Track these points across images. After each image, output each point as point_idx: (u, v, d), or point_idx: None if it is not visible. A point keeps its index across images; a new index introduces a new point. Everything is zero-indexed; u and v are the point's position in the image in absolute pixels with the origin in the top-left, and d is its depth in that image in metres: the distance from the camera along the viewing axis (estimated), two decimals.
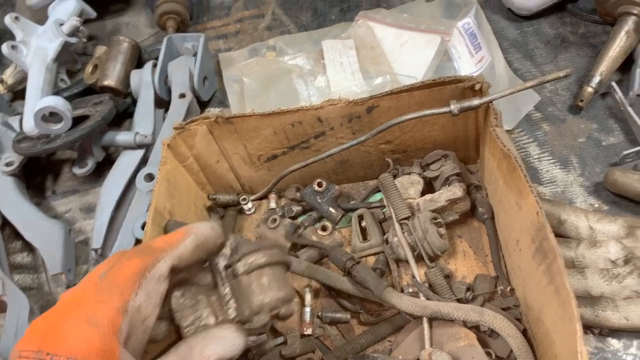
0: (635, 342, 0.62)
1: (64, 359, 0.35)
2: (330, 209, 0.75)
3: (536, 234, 0.54)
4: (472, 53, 0.85)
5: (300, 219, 0.77)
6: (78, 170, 0.88)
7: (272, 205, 0.80)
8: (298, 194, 0.78)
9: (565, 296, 0.48)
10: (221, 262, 0.48)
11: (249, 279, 0.46)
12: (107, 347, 0.37)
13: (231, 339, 0.44)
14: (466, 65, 0.85)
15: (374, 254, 0.72)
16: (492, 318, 0.56)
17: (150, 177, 0.82)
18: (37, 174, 0.96)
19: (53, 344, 0.36)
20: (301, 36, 1.01)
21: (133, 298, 0.39)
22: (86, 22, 1.08)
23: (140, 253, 0.42)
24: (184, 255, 0.44)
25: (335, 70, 0.91)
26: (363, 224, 0.74)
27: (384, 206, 0.72)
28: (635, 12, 0.79)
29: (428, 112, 0.63)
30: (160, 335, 0.46)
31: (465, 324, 0.60)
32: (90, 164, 0.88)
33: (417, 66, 0.88)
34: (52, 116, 0.81)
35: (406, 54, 0.90)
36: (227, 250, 0.48)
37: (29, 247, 0.87)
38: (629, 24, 0.79)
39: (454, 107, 0.61)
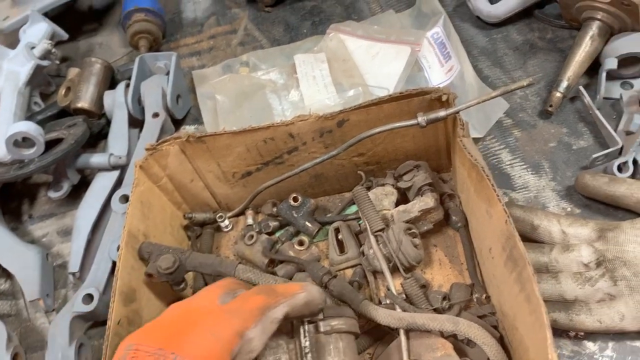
0: (610, 344, 0.62)
1: (183, 358, 0.41)
2: (307, 223, 0.75)
3: (506, 242, 0.54)
4: (442, 62, 0.86)
5: (277, 234, 0.78)
6: (53, 194, 0.88)
7: (249, 221, 0.80)
8: (275, 209, 0.78)
9: (535, 304, 0.48)
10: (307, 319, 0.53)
11: (327, 339, 0.52)
12: (221, 358, 0.42)
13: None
14: (436, 74, 0.86)
15: (352, 267, 0.73)
16: (467, 327, 0.57)
17: (125, 199, 0.81)
18: (13, 199, 0.95)
19: (176, 344, 0.42)
20: (274, 51, 1.01)
21: (251, 328, 0.45)
22: (59, 43, 1.08)
23: (265, 292, 0.49)
24: (296, 307, 0.49)
25: (308, 84, 0.91)
26: (340, 236, 0.74)
27: (359, 218, 0.73)
28: (598, 16, 0.80)
29: (396, 124, 0.63)
30: None
31: (442, 334, 0.60)
32: (65, 187, 0.88)
33: (388, 77, 0.89)
34: (24, 141, 0.81)
35: (377, 65, 0.91)
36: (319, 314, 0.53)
37: (6, 274, 0.86)
38: (593, 28, 0.81)
39: (421, 119, 0.62)
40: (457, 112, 0.61)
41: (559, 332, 0.63)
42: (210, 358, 0.41)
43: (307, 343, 0.51)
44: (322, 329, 0.52)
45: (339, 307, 0.58)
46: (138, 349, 0.42)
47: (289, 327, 0.52)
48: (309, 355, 0.50)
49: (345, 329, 0.53)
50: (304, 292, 0.50)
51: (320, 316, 0.53)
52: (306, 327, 0.52)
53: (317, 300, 0.52)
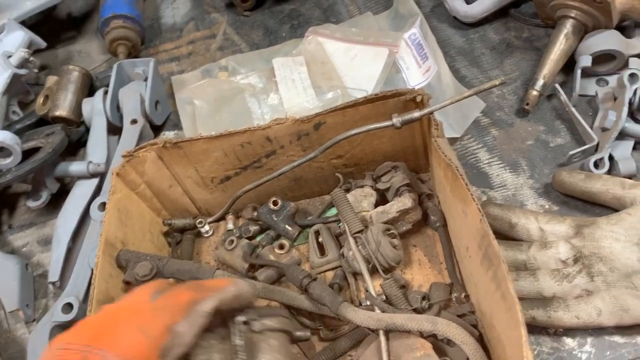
0: (589, 340, 0.63)
1: (113, 356, 0.41)
2: (287, 226, 0.75)
3: (481, 241, 0.55)
4: (419, 63, 0.87)
5: (258, 239, 0.77)
6: (32, 203, 0.87)
7: (230, 226, 0.80)
8: (255, 214, 0.78)
9: (510, 302, 0.48)
10: (240, 317, 0.52)
11: (260, 338, 0.52)
12: (149, 355, 0.42)
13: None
14: (414, 75, 0.86)
15: (332, 269, 0.73)
16: (445, 326, 0.57)
17: (104, 206, 0.80)
18: None
19: (104, 341, 0.42)
20: (253, 55, 1.01)
21: (180, 322, 0.45)
22: (37, 52, 1.07)
23: (193, 288, 0.49)
24: (225, 300, 0.50)
25: (287, 88, 0.91)
26: (320, 239, 0.74)
27: (339, 220, 0.73)
28: (572, 15, 0.81)
29: (372, 126, 0.63)
30: None
31: (422, 334, 0.60)
32: (44, 196, 0.87)
33: (367, 79, 0.89)
34: (1, 151, 0.80)
35: (356, 67, 0.91)
36: (252, 312, 0.54)
37: None
38: (567, 26, 0.81)
39: (396, 120, 0.62)
40: (432, 113, 0.61)
41: (538, 329, 0.63)
42: (139, 353, 0.42)
43: (240, 342, 0.51)
44: (255, 328, 0.53)
45: (273, 308, 0.59)
46: (66, 348, 0.42)
47: (224, 329, 0.52)
48: (241, 353, 0.50)
49: (278, 328, 0.54)
50: (232, 286, 0.52)
51: (255, 315, 0.53)
52: (240, 327, 0.52)
53: (248, 294, 0.53)
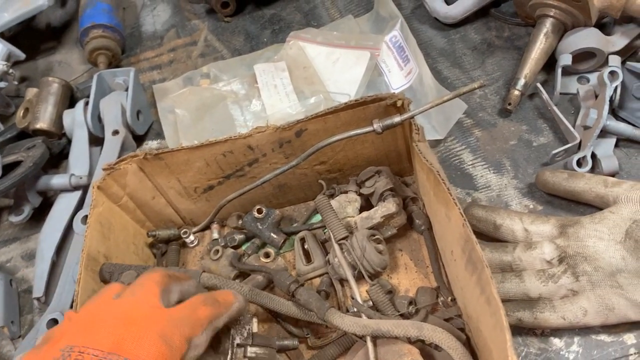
0: (576, 339, 0.63)
1: None
2: (272, 234, 0.75)
3: (465, 245, 0.54)
4: (401, 66, 0.87)
5: (243, 247, 0.77)
6: (14, 218, 0.86)
7: (215, 235, 0.79)
8: (240, 222, 0.78)
9: (495, 306, 0.48)
10: (237, 339, 0.57)
11: None
12: None
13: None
14: (396, 78, 0.86)
15: (319, 276, 0.72)
16: (431, 332, 0.56)
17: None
18: None
19: (127, 350, 0.42)
20: (234, 61, 1.00)
21: (198, 336, 0.47)
22: (17, 63, 1.06)
23: (211, 304, 0.51)
24: (232, 317, 0.54)
25: (270, 94, 0.91)
26: (306, 246, 0.73)
27: (325, 227, 0.72)
28: (551, 14, 0.81)
29: (353, 132, 0.63)
30: None
31: (409, 339, 0.60)
32: (26, 211, 0.86)
33: (349, 83, 0.89)
34: None
35: (338, 71, 0.91)
36: (245, 332, 0.58)
37: None
38: (547, 25, 0.82)
39: (377, 125, 0.61)
40: (412, 117, 0.61)
41: (526, 330, 0.64)
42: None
43: None
44: (248, 354, 0.58)
45: (267, 337, 0.62)
46: (84, 352, 0.41)
47: (214, 340, 0.54)
48: None
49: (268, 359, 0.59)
50: (237, 303, 0.55)
51: (249, 341, 0.58)
52: (235, 349, 0.56)
53: (243, 308, 0.56)
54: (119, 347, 0.42)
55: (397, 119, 0.61)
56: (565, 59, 0.79)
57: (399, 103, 0.63)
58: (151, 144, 0.95)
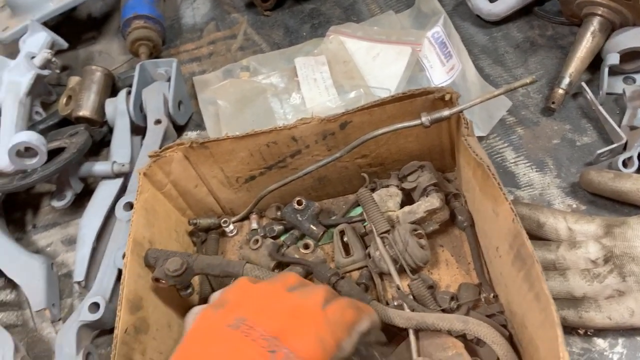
0: (620, 340, 0.62)
1: (295, 357, 0.43)
2: (311, 226, 0.75)
3: (513, 241, 0.54)
4: (443, 62, 0.86)
5: (282, 238, 0.77)
6: (56, 203, 0.87)
7: (254, 225, 0.80)
8: (279, 213, 0.78)
9: (545, 302, 0.48)
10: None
11: None
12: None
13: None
14: (438, 74, 0.86)
15: (358, 269, 0.72)
16: (476, 326, 0.56)
17: (130, 206, 0.81)
18: (17, 209, 0.95)
19: (289, 340, 0.44)
20: (274, 55, 1.01)
21: (345, 340, 0.48)
22: (59, 52, 1.08)
23: (354, 307, 0.51)
24: (374, 324, 0.53)
25: (309, 87, 0.91)
26: (345, 239, 0.74)
27: (364, 220, 0.73)
28: (599, 12, 0.80)
29: (400, 125, 0.63)
30: None
31: (450, 333, 0.60)
32: (68, 196, 0.88)
33: (390, 78, 0.88)
34: (27, 151, 0.80)
35: (379, 66, 0.91)
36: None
37: (11, 284, 0.85)
38: (594, 24, 0.81)
39: (425, 119, 0.61)
40: (461, 111, 0.61)
41: (568, 329, 0.63)
42: None
43: None
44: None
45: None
46: (253, 327, 0.44)
47: None
48: None
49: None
50: (374, 313, 0.54)
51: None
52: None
53: (379, 324, 0.55)
54: (282, 334, 0.44)
55: (446, 112, 0.61)
56: (613, 59, 0.78)
57: (447, 97, 0.63)
58: (190, 135, 0.96)
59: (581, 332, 0.63)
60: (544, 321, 0.48)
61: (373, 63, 0.92)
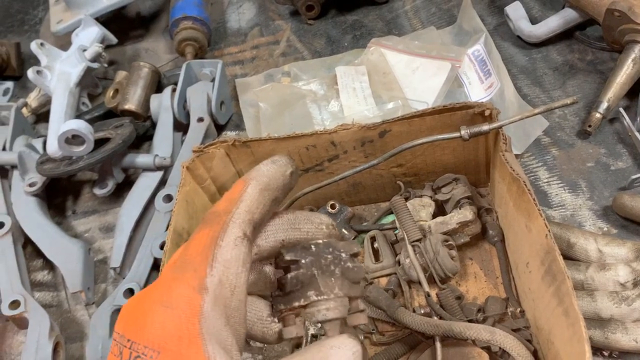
0: None
1: (142, 347, 0.32)
2: (343, 230, 0.77)
3: (545, 257, 0.55)
4: (482, 79, 0.88)
5: None
6: (99, 191, 0.91)
7: None
8: None
9: (574, 317, 0.49)
10: (311, 329, 0.41)
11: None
12: (184, 332, 0.32)
13: (350, 346, 0.35)
14: (476, 91, 0.87)
15: (386, 275, 0.74)
16: (503, 337, 0.57)
17: (169, 198, 0.84)
18: (58, 195, 0.99)
19: (132, 330, 0.33)
20: (315, 62, 1.03)
21: (209, 273, 0.34)
22: (107, 47, 1.12)
23: (207, 222, 0.37)
24: (252, 205, 0.38)
25: (348, 95, 0.93)
26: (375, 245, 0.75)
27: (396, 228, 0.74)
28: None
29: (439, 137, 0.65)
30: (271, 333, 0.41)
31: (475, 344, 0.61)
32: (110, 185, 0.91)
33: (428, 91, 0.90)
34: (74, 139, 0.84)
35: (417, 79, 0.93)
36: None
37: (49, 265, 0.89)
38: (635, 51, 0.81)
39: (465, 132, 0.63)
40: (501, 127, 0.62)
41: (593, 350, 0.63)
42: (167, 335, 0.32)
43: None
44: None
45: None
46: (114, 337, 0.35)
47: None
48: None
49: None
50: (249, 184, 0.38)
51: (322, 331, 0.41)
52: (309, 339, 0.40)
53: (277, 173, 0.40)
54: (127, 328, 0.34)
55: (485, 127, 0.62)
56: None
57: (487, 112, 0.64)
58: (230, 134, 0.99)
59: (606, 353, 0.64)
60: (572, 337, 0.49)
61: (412, 76, 0.94)
